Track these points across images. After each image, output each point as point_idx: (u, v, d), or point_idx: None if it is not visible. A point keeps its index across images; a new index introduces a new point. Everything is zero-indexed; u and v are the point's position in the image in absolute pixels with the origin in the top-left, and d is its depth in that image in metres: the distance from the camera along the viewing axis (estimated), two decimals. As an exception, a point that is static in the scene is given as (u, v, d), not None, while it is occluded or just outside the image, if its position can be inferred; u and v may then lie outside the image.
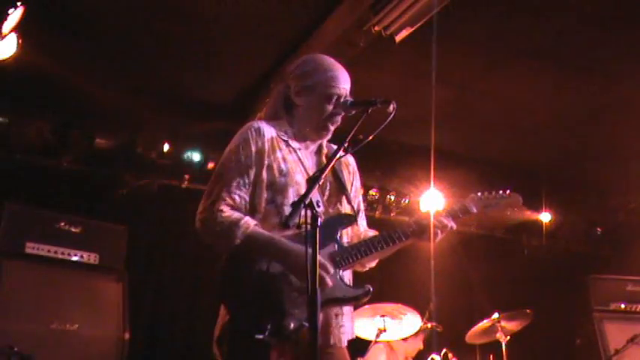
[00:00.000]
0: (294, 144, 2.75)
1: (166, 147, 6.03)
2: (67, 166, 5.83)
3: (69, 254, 5.18)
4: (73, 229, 5.26)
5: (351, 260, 2.61)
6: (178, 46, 5.24)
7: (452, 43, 5.01)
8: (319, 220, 2.17)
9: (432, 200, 6.55)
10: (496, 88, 5.70)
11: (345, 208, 2.77)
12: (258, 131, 2.68)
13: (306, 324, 2.30)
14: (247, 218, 2.54)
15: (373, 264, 2.87)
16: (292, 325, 2.39)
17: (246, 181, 2.61)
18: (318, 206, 2.16)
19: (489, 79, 5.55)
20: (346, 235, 2.74)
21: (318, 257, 2.30)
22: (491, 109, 6.09)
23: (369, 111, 2.59)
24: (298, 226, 2.14)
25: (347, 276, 2.68)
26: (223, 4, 4.70)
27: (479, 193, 2.89)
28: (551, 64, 5.35)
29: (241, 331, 2.45)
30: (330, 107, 2.72)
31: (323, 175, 2.31)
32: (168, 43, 5.20)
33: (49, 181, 5.79)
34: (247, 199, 2.61)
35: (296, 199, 2.49)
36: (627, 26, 4.78)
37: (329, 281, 2.46)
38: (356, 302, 2.61)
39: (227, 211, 2.54)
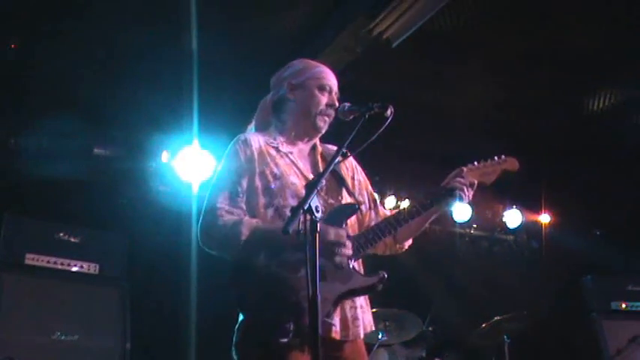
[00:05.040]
0: (285, 149, 2.78)
1: (165, 156, 6.02)
2: (66, 176, 5.82)
3: (69, 265, 5.17)
4: (72, 240, 5.25)
5: (361, 250, 2.62)
6: (175, 56, 5.25)
7: (449, 47, 5.03)
8: (318, 225, 2.16)
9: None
10: (493, 91, 5.71)
11: (346, 200, 2.77)
12: (245, 142, 2.74)
13: (327, 319, 2.41)
14: (248, 217, 2.59)
15: (410, 241, 2.93)
16: None
17: (240, 190, 2.66)
18: (317, 211, 2.16)
19: (487, 82, 5.56)
20: (350, 228, 2.72)
21: (335, 230, 2.44)
22: (490, 113, 6.09)
23: (367, 116, 2.61)
24: (297, 232, 2.15)
25: (357, 267, 2.66)
26: (219, 15, 4.71)
27: (475, 163, 2.88)
28: (549, 68, 5.36)
29: (260, 336, 2.45)
30: (324, 98, 2.79)
31: (322, 180, 2.32)
32: (165, 54, 5.21)
33: (48, 191, 5.78)
34: (244, 207, 2.65)
35: (294, 200, 2.55)
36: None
37: (341, 241, 2.48)
38: (371, 291, 2.60)
39: (226, 215, 2.58)
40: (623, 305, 6.52)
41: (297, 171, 2.72)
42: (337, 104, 2.79)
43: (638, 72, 5.33)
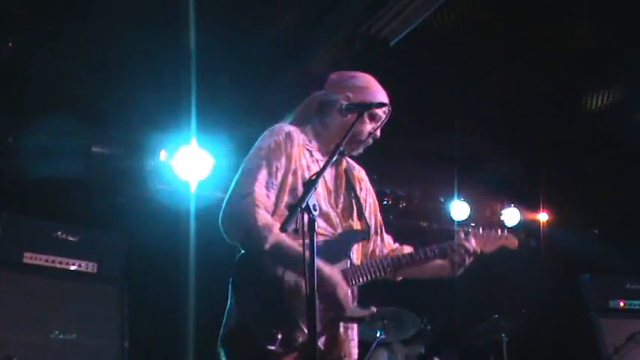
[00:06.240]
0: (317, 155, 2.76)
1: (163, 155, 6.02)
2: (64, 175, 5.81)
3: (67, 263, 5.17)
4: (71, 238, 5.24)
5: (361, 280, 2.65)
6: (173, 55, 5.25)
7: (447, 45, 5.03)
8: (316, 224, 2.16)
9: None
10: (491, 90, 5.71)
11: (356, 224, 2.79)
12: (289, 135, 2.69)
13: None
14: (279, 225, 2.52)
15: (401, 277, 2.99)
16: (301, 339, 2.40)
17: (275, 182, 2.61)
18: (315, 210, 2.16)
19: (485, 81, 5.55)
20: (355, 252, 2.76)
21: (344, 288, 2.48)
22: (488, 111, 6.09)
23: (365, 114, 2.61)
24: (296, 231, 2.14)
25: (353, 291, 2.68)
26: (217, 14, 4.71)
27: (480, 230, 2.98)
28: (548, 67, 5.36)
29: (249, 337, 2.45)
30: (370, 127, 2.75)
31: (320, 179, 2.31)
32: (163, 54, 5.21)
33: (46, 190, 5.77)
34: (274, 199, 2.61)
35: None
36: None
37: (345, 305, 2.51)
38: (359, 322, 2.66)
39: (262, 209, 2.54)
40: (622, 303, 6.53)
41: (323, 180, 2.70)
42: (379, 135, 2.78)
43: (638, 71, 5.33)
